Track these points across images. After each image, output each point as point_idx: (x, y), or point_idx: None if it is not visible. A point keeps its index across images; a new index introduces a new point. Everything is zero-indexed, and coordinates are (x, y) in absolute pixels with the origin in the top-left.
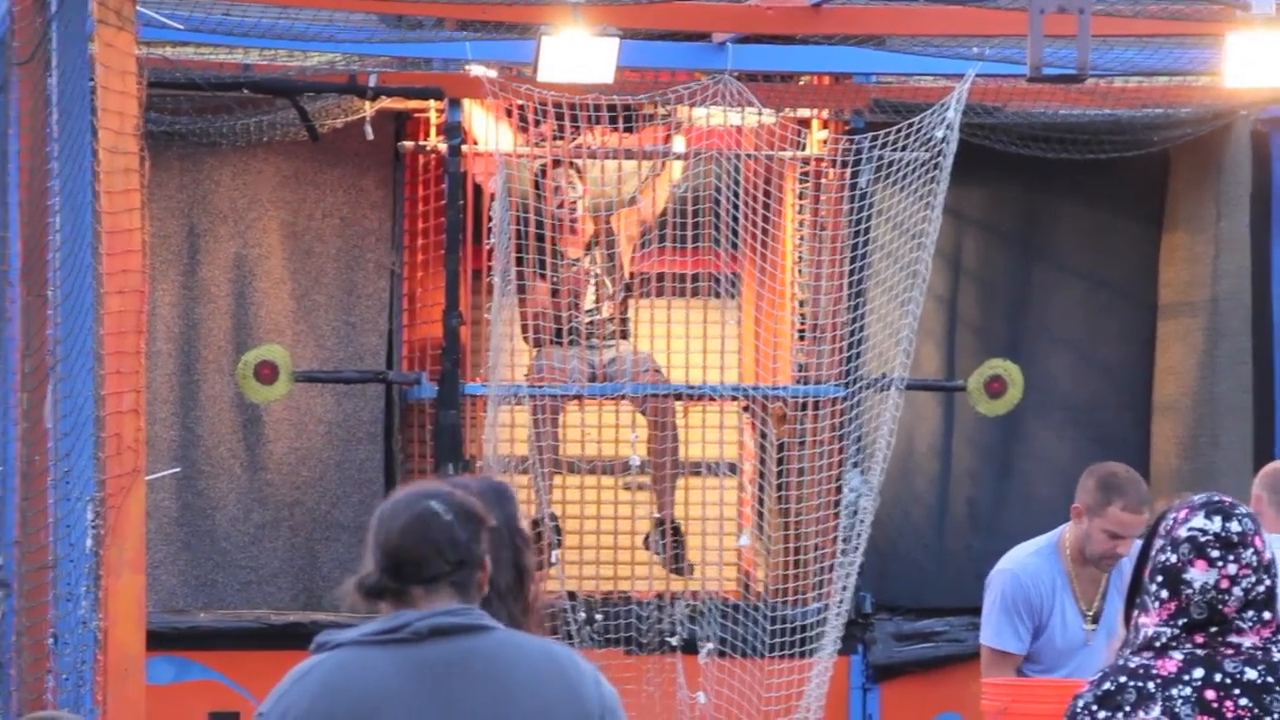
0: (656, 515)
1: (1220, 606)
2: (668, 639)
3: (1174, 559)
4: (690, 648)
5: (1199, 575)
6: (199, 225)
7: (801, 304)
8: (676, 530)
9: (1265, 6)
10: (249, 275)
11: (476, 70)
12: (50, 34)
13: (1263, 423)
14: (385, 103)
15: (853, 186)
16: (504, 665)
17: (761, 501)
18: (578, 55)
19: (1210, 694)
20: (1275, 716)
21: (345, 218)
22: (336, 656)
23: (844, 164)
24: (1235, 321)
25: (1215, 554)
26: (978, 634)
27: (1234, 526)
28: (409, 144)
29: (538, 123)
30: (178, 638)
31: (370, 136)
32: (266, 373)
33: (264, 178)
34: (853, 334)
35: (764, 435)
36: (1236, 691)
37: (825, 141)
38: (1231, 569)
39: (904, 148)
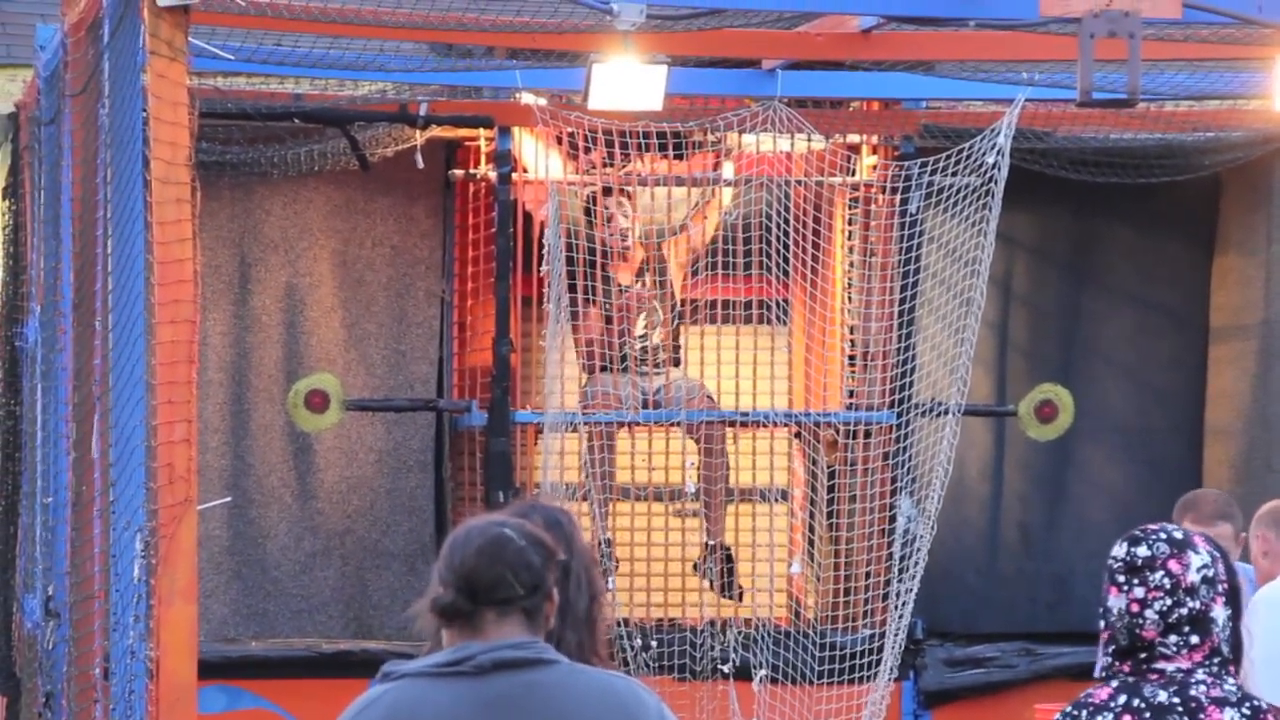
0: (708, 541)
1: (1138, 631)
2: (720, 666)
3: (1102, 589)
4: (743, 674)
5: (1113, 601)
6: (250, 254)
7: (851, 330)
8: (728, 556)
9: None
10: (300, 304)
11: (526, 98)
12: (102, 65)
13: None
14: (435, 131)
15: (903, 212)
16: (566, 700)
17: (812, 528)
18: (627, 83)
19: (1127, 718)
20: None
21: (395, 246)
22: (400, 689)
23: (894, 189)
24: None
25: (1121, 579)
26: (1029, 660)
27: (1141, 551)
28: (459, 172)
29: (588, 150)
30: (229, 667)
31: (420, 165)
32: (317, 401)
33: (314, 207)
34: (904, 360)
35: (814, 461)
36: (1147, 715)
37: (875, 167)
38: (1139, 592)
39: (954, 173)
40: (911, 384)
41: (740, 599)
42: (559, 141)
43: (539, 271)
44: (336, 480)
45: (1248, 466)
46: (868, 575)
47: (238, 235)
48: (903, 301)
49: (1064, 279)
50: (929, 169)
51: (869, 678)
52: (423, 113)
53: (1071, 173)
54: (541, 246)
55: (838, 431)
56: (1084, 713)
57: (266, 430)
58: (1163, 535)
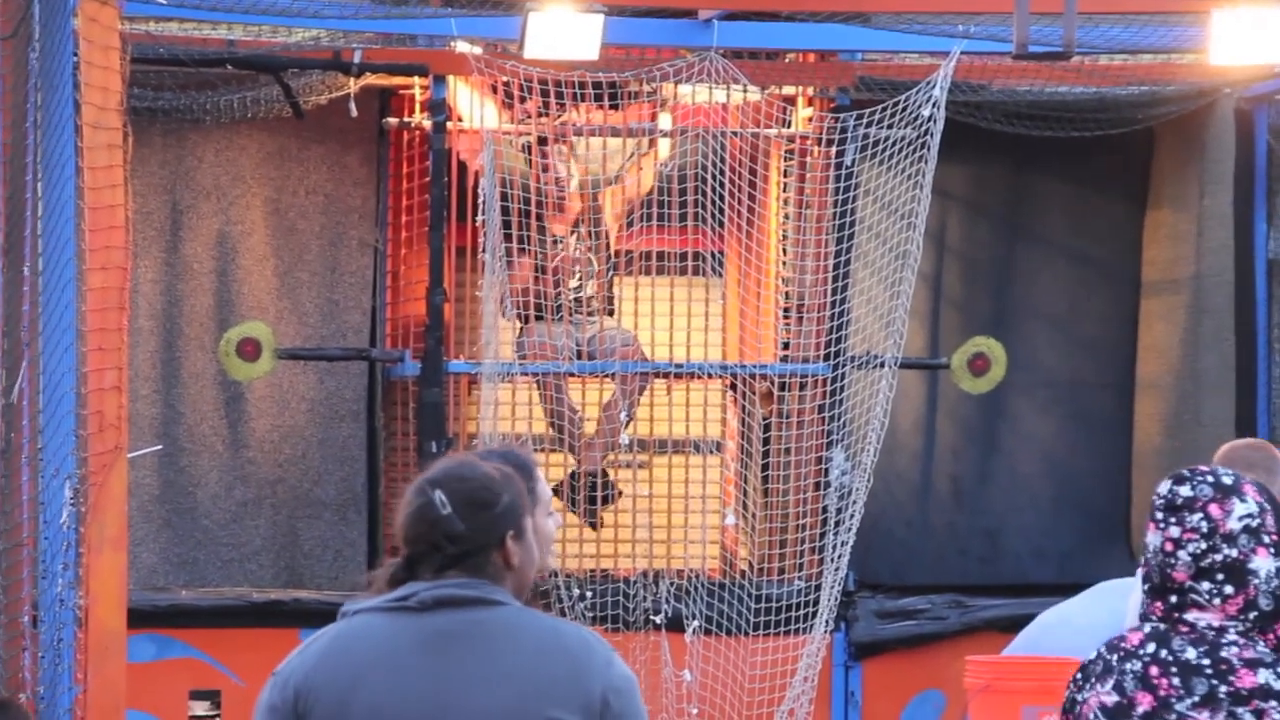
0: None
1: (1169, 571)
2: (653, 617)
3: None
4: (676, 625)
5: (1151, 538)
6: (182, 202)
7: (786, 282)
8: (606, 482)
9: None
10: (232, 252)
11: (462, 46)
12: (33, 9)
13: (1245, 400)
14: (370, 79)
15: (838, 164)
16: (505, 639)
17: (745, 480)
18: (564, 31)
19: (1154, 670)
20: (1195, 698)
21: (329, 194)
22: (347, 623)
23: (829, 142)
24: (1218, 299)
25: (1159, 516)
26: (960, 612)
27: (1183, 490)
28: (393, 120)
29: (523, 99)
30: (158, 615)
31: (354, 113)
32: (249, 350)
33: (247, 154)
34: (838, 313)
35: (748, 413)
36: (1174, 670)
37: (810, 119)
38: (1174, 531)
39: (889, 126)
40: (846, 336)
41: (598, 528)
42: (494, 90)
43: (473, 221)
44: (268, 429)
45: (1178, 420)
46: (800, 527)
47: (169, 182)
48: (838, 254)
49: (998, 232)
50: (864, 121)
51: (801, 629)
52: (357, 60)
53: (1006, 126)
54: (476, 196)
55: (772, 384)
56: (1115, 656)
57: (198, 378)
58: (1209, 478)
